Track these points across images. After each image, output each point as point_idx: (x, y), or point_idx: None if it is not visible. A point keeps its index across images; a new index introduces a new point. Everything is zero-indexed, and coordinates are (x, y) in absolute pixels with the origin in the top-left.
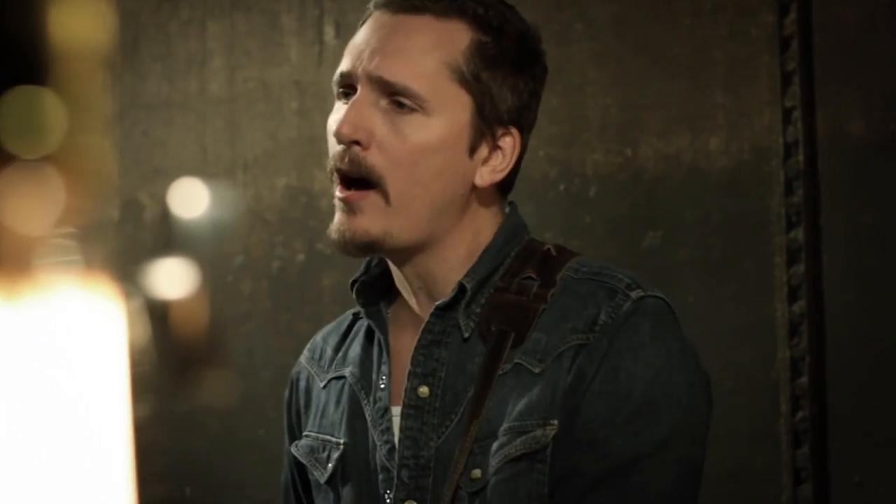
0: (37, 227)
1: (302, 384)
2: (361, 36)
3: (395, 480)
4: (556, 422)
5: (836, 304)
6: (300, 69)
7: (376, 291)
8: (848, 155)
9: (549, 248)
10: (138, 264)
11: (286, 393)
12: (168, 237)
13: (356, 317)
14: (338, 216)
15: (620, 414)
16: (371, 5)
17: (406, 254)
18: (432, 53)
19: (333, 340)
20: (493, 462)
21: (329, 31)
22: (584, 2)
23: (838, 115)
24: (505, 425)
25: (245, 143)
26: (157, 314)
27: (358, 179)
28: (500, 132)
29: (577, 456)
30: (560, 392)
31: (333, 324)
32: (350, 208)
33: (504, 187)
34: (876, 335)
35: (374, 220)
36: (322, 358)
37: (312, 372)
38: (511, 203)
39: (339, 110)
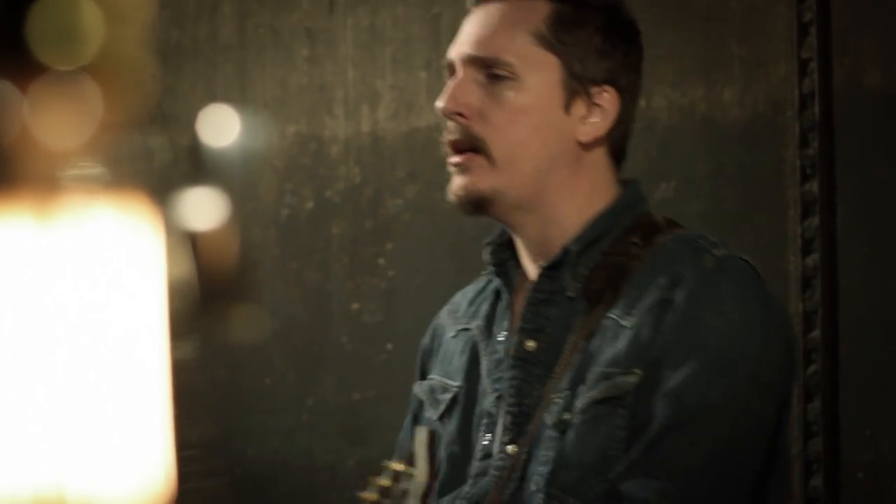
0: (70, 142)
1: (437, 333)
2: (460, 31)
3: (500, 427)
4: (639, 371)
5: (850, 258)
6: (311, 16)
7: (507, 254)
8: (864, 107)
9: (660, 220)
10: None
11: (424, 339)
12: (180, 179)
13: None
14: (453, 180)
15: (696, 365)
16: (468, 6)
17: (518, 214)
18: (516, 26)
19: (470, 295)
20: (579, 404)
21: None
22: None
23: (855, 66)
24: (593, 371)
25: (255, 90)
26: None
27: (468, 148)
28: (594, 90)
29: (654, 404)
30: (644, 344)
31: (474, 282)
32: (461, 170)
33: (615, 153)
34: (890, 289)
35: (481, 177)
36: (458, 311)
37: (447, 323)
38: (635, 180)
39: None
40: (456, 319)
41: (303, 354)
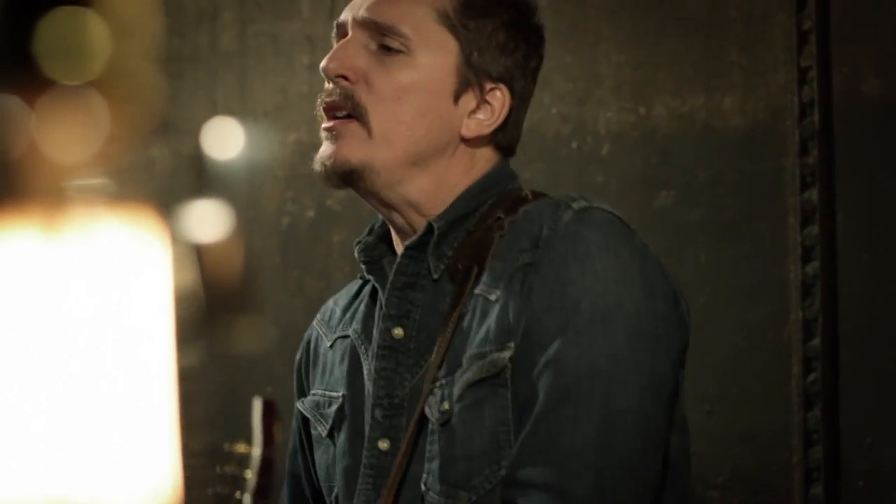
0: (77, 155)
1: (311, 345)
2: None
3: (370, 420)
4: (513, 344)
5: (850, 266)
6: (311, 23)
7: (379, 251)
8: (864, 115)
9: (526, 193)
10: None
11: (298, 355)
12: (183, 189)
13: (365, 279)
14: (322, 147)
15: (571, 328)
16: None
17: (385, 194)
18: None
19: (343, 302)
20: (456, 390)
21: None
22: None
23: (854, 74)
24: (467, 354)
25: (255, 98)
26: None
27: (345, 116)
28: (488, 86)
29: (535, 376)
30: (514, 314)
31: (345, 288)
32: (333, 136)
33: (504, 149)
34: (890, 296)
35: (355, 148)
36: (331, 319)
37: (321, 332)
38: (505, 159)
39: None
40: (331, 329)
41: None
